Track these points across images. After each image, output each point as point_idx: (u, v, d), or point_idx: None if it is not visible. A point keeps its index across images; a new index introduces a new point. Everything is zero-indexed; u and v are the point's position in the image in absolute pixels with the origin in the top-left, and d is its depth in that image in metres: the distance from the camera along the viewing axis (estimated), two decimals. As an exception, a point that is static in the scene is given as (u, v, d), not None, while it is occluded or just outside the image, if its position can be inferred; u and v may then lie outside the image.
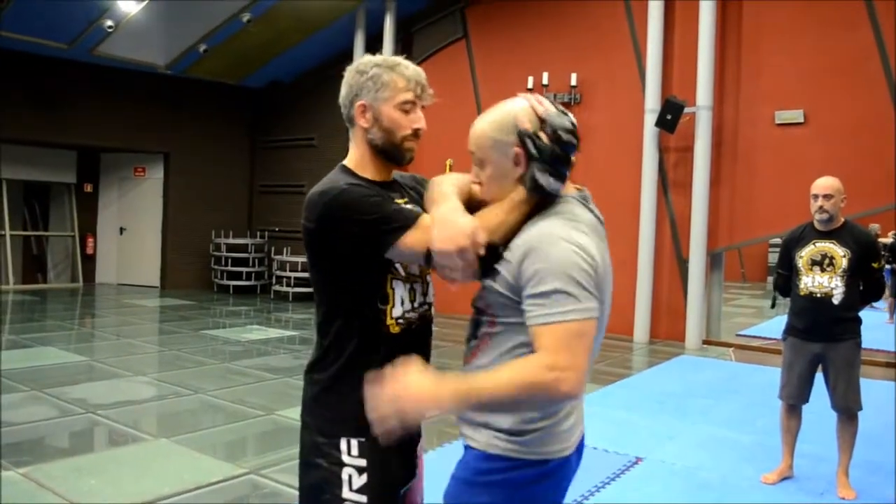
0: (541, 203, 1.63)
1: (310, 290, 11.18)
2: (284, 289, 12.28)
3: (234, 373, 6.69)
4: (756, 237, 9.17)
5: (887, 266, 11.61)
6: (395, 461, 1.78)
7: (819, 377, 4.05)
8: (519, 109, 1.64)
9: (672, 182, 9.21)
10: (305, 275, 12.08)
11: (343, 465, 1.71)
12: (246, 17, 10.70)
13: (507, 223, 1.62)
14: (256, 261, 13.10)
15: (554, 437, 1.62)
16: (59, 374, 6.31)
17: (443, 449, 4.42)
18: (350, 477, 1.71)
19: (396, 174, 1.93)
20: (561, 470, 1.66)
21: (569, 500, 3.68)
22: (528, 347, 1.51)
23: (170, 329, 9.15)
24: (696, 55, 8.72)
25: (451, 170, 10.98)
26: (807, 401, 4.10)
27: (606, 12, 9.77)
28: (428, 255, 1.62)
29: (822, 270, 3.94)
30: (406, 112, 1.79)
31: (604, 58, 9.78)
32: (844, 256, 3.90)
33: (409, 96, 1.79)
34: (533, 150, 1.59)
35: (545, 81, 10.05)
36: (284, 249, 12.81)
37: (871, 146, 7.91)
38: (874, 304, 13.53)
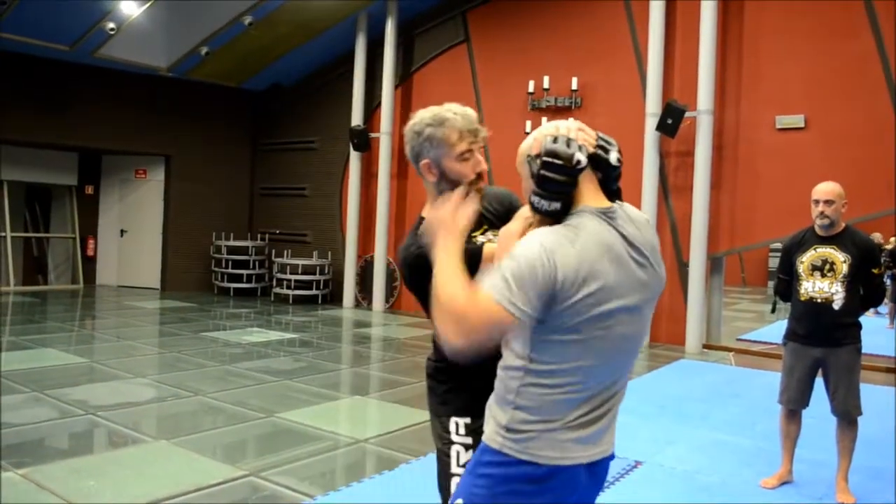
0: (555, 221, 1.64)
1: (310, 292, 11.20)
2: (285, 291, 12.28)
3: (234, 375, 6.69)
4: (757, 242, 9.18)
5: (888, 272, 11.61)
6: None
7: (819, 382, 4.05)
8: (545, 132, 1.68)
9: (673, 186, 9.21)
10: (305, 277, 12.12)
11: (452, 442, 2.01)
12: (247, 19, 10.72)
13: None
14: (257, 263, 13.11)
15: (550, 443, 1.61)
16: (59, 376, 6.31)
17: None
18: (458, 454, 1.99)
19: (486, 187, 2.09)
20: (556, 479, 1.63)
21: None
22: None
23: (170, 331, 9.16)
24: (697, 59, 8.73)
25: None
26: (807, 405, 4.10)
27: (607, 16, 9.78)
28: None
29: (823, 276, 3.94)
30: (466, 160, 1.97)
31: (605, 62, 9.79)
32: (845, 262, 3.90)
33: (464, 146, 1.97)
34: (531, 174, 1.65)
35: (546, 85, 10.07)
36: (285, 252, 12.82)
37: (871, 152, 7.92)
38: (877, 309, 13.55)
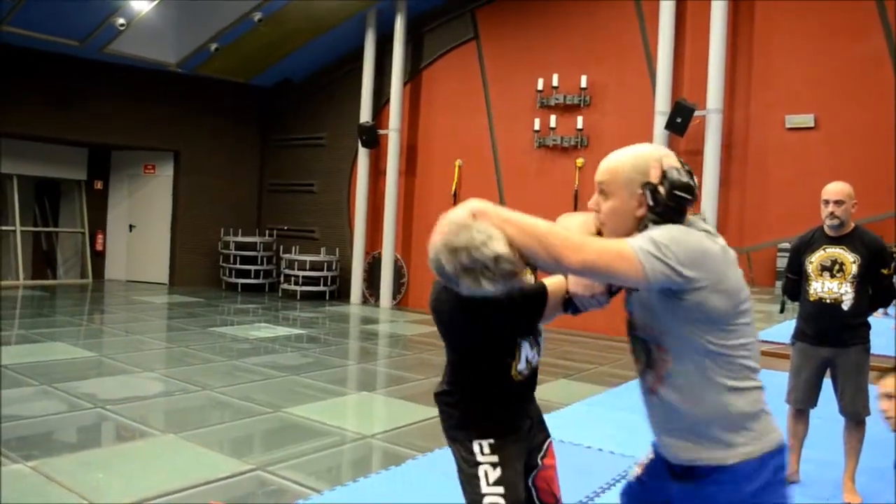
0: None
1: (317, 288, 11.21)
2: (292, 287, 12.31)
3: (242, 370, 6.71)
4: (765, 241, 9.14)
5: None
6: (520, 456, 2.11)
7: (827, 382, 4.04)
8: (653, 158, 1.76)
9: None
10: (314, 273, 12.14)
11: (479, 464, 2.02)
12: (257, 16, 10.74)
13: None
14: (265, 259, 13.14)
15: (769, 424, 1.76)
16: (68, 370, 6.35)
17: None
18: (486, 473, 2.01)
19: None
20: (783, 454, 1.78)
21: (573, 502, 3.70)
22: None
23: (178, 326, 9.19)
24: (706, 58, 8.70)
25: (460, 170, 11.00)
26: (814, 405, 4.09)
27: (617, 15, 9.76)
28: (565, 305, 2.03)
29: (832, 276, 3.93)
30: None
31: (614, 60, 9.77)
32: (854, 262, 3.89)
33: (502, 292, 1.95)
34: (650, 202, 1.72)
35: (555, 83, 10.05)
36: (293, 248, 12.84)
37: (882, 151, 7.88)
38: (886, 310, 13.45)
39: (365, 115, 11.85)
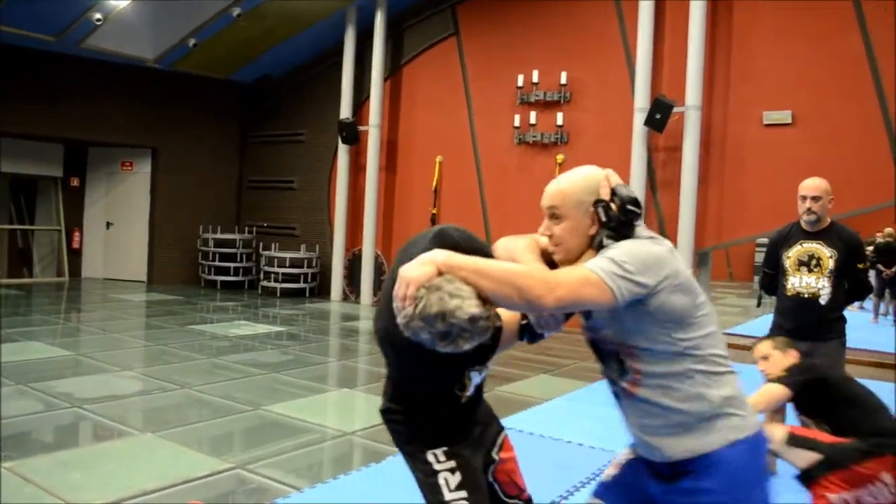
0: None
1: (297, 285, 11.16)
2: (272, 284, 12.25)
3: (221, 368, 6.67)
4: (743, 237, 9.23)
5: (873, 268, 11.71)
6: (475, 456, 2.11)
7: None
8: (601, 177, 1.87)
9: (660, 181, 9.24)
10: (293, 270, 12.09)
11: (437, 472, 2.01)
12: (236, 11, 10.66)
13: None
14: (244, 256, 13.07)
15: (748, 413, 1.82)
16: (44, 369, 6.27)
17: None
18: (446, 480, 2.00)
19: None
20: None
21: (553, 498, 3.71)
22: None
23: (156, 324, 9.12)
24: (685, 55, 8.75)
25: (440, 167, 10.99)
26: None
27: (597, 12, 9.79)
28: (520, 333, 2.12)
29: (810, 271, 3.96)
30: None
31: (594, 57, 9.80)
32: (831, 257, 3.93)
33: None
34: (604, 218, 1.80)
35: (535, 79, 10.07)
36: (273, 245, 12.78)
37: (858, 149, 7.98)
38: (862, 304, 13.62)
39: (345, 112, 11.80)
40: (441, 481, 2.00)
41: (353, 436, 4.81)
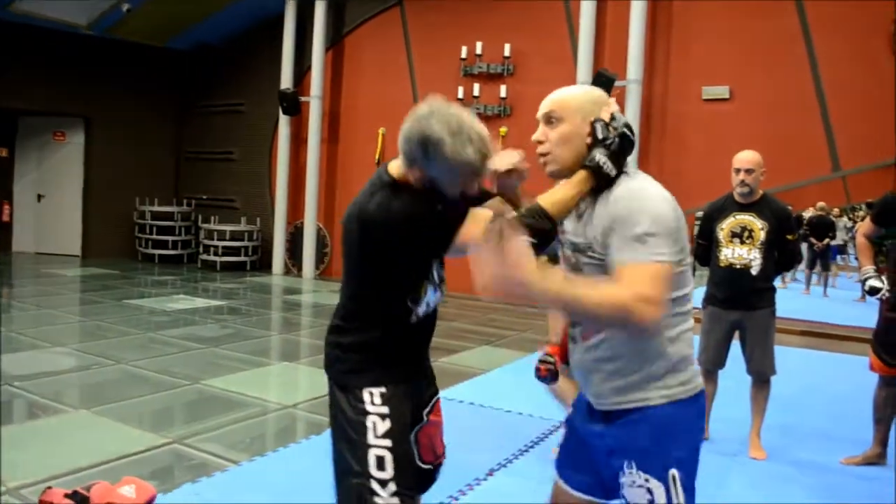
0: (596, 188, 1.77)
1: (237, 258, 10.99)
2: (212, 258, 12.04)
3: (159, 343, 6.54)
4: (683, 210, 9.39)
5: (805, 241, 12.08)
6: (409, 409, 2.03)
7: (735, 344, 4.21)
8: (604, 99, 1.84)
9: (602, 155, 9.32)
10: (234, 244, 11.91)
11: (368, 413, 1.94)
12: (171, -24, 10.33)
13: (567, 198, 1.78)
14: (183, 229, 12.79)
15: (697, 372, 1.82)
16: (-28, 345, 6.07)
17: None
18: (374, 424, 1.93)
19: None
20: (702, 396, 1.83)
21: (492, 465, 3.76)
22: None
23: (91, 299, 8.88)
24: (627, 29, 8.82)
25: (383, 139, 10.89)
26: (723, 366, 4.26)
27: (540, -16, 9.77)
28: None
29: (742, 242, 4.07)
30: (464, 186, 1.93)
31: (537, 30, 9.81)
32: (763, 229, 4.03)
33: (468, 182, 1.91)
34: (600, 134, 1.77)
35: (479, 51, 10.03)
36: (212, 218, 12.54)
37: (792, 124, 8.18)
38: (795, 276, 13.97)
39: (286, 82, 11.59)
40: (369, 423, 1.93)
41: (295, 409, 4.78)
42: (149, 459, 3.77)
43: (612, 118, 1.80)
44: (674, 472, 1.71)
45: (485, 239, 1.56)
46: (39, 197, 12.91)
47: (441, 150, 1.80)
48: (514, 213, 1.80)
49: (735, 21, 8.55)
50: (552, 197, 1.79)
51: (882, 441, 4.05)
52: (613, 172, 1.75)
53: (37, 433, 4.17)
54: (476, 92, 10.02)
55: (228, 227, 12.14)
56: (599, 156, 1.74)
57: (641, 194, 1.69)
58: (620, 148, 1.75)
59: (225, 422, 4.46)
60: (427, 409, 2.17)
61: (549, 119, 1.83)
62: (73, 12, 11.21)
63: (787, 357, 5.29)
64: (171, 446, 3.96)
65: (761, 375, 4.14)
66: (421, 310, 2.02)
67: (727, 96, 8.60)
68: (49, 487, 3.11)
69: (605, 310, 1.56)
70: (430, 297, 2.03)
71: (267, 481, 3.55)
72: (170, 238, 12.61)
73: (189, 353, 6.18)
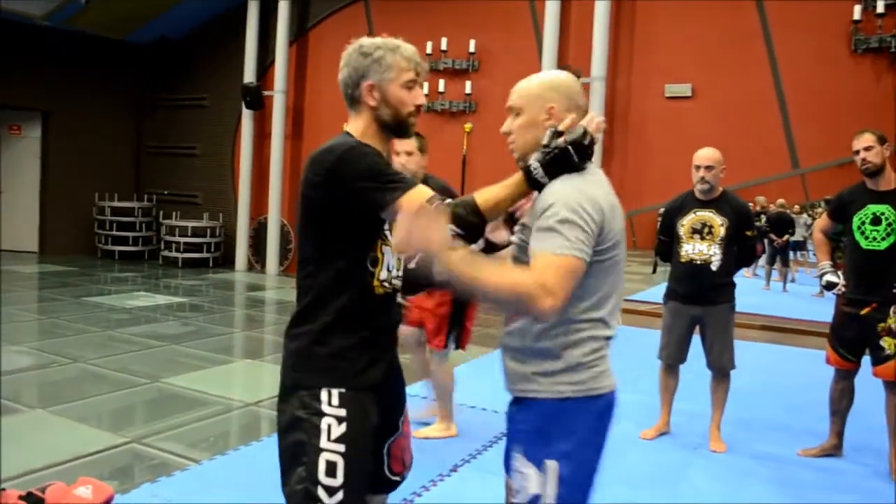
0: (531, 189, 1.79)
1: (199, 255, 10.86)
2: (173, 254, 11.87)
3: (118, 340, 6.43)
4: (645, 206, 9.47)
5: (765, 237, 12.27)
6: (377, 414, 1.90)
7: (696, 338, 4.26)
8: (573, 86, 1.90)
9: (566, 151, 9.37)
10: (195, 240, 11.75)
11: (323, 414, 1.80)
12: (131, -33, 10.14)
13: (499, 198, 1.80)
14: (144, 225, 12.59)
15: (603, 375, 1.79)
16: (-77, 344, 5.91)
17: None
18: (329, 427, 1.79)
19: (431, 178, 2.11)
20: (613, 403, 1.84)
21: (456, 461, 3.76)
22: None
23: (49, 296, 8.71)
24: (591, 26, 8.87)
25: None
26: (684, 361, 4.31)
27: (505, -20, 9.79)
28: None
29: (702, 238, 4.12)
30: (409, 89, 1.95)
31: (502, 26, 9.82)
32: (722, 225, 4.09)
33: (411, 75, 1.94)
34: (544, 140, 1.76)
35: (444, 47, 10.01)
36: (174, 214, 12.36)
37: (752, 122, 8.31)
38: (755, 271, 14.15)
39: (249, 76, 11.46)
40: (323, 426, 1.79)
41: (258, 406, 4.74)
42: (107, 459, 3.71)
43: (572, 131, 1.76)
44: (552, 464, 1.71)
45: (415, 210, 1.58)
46: (-4, 192, 12.61)
47: (378, 45, 1.94)
48: (447, 201, 1.80)
49: (697, 20, 8.65)
50: (487, 194, 1.80)
51: (838, 433, 4.13)
52: (545, 181, 1.75)
53: (-10, 434, 4.07)
54: (441, 88, 10.01)
55: (190, 223, 11.98)
56: (533, 160, 1.75)
57: (566, 189, 1.70)
58: (555, 160, 1.74)
59: (186, 420, 4.40)
60: (401, 418, 2.07)
61: (512, 110, 1.89)
62: (29, 3, 10.94)
63: (747, 351, 5.36)
64: (130, 446, 3.90)
65: (721, 370, 4.19)
66: (382, 275, 1.89)
67: (689, 94, 8.70)
68: (3, 489, 3.04)
69: (504, 292, 1.60)
70: (390, 260, 1.92)
71: (229, 480, 3.51)
72: (130, 234, 12.40)
73: (149, 351, 6.09)
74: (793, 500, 3.55)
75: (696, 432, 4.36)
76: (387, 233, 1.90)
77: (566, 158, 1.74)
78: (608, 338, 1.80)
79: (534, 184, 1.76)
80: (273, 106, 11.27)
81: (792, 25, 8.13)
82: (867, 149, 3.85)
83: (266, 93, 11.41)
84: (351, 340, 1.86)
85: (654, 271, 8.53)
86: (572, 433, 1.73)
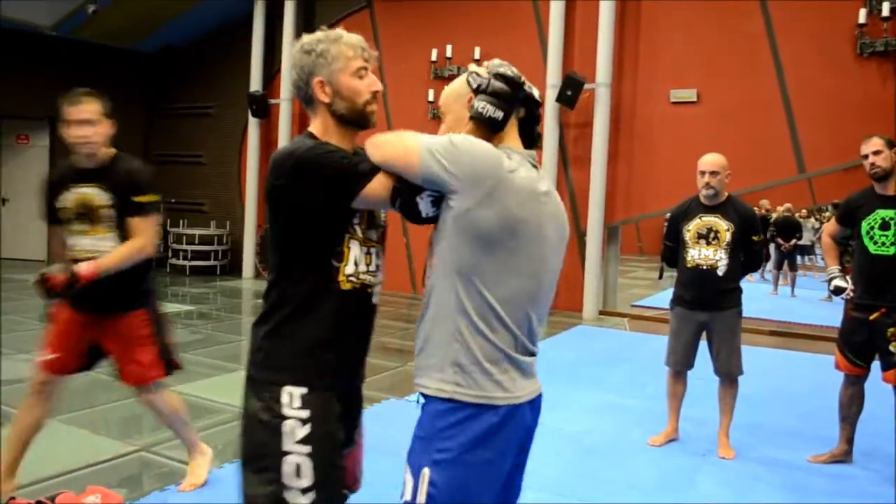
0: (488, 135, 1.77)
1: (207, 263, 10.86)
2: (181, 262, 11.91)
3: (127, 349, 6.44)
4: (651, 211, 9.47)
5: (772, 241, 12.25)
6: (337, 420, 1.83)
7: (703, 344, 4.25)
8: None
9: (572, 157, 9.40)
10: (203, 248, 11.79)
11: (285, 417, 1.74)
12: (138, -23, 10.21)
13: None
14: (152, 233, 12.60)
15: (501, 382, 1.70)
16: (-67, 353, 5.94)
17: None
18: (292, 429, 1.74)
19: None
20: (511, 418, 1.73)
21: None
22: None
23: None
24: (596, 32, 8.88)
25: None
26: (691, 367, 4.30)
27: (510, -13, 9.81)
28: (392, 198, 1.72)
29: (708, 243, 4.11)
30: (361, 77, 1.89)
31: (507, 33, 9.84)
32: (728, 230, 4.08)
33: (360, 63, 1.89)
34: (474, 85, 1.77)
35: (449, 54, 10.04)
36: (181, 222, 12.41)
37: (758, 126, 8.29)
38: (763, 275, 14.11)
39: (255, 84, 11.51)
40: (286, 428, 1.73)
41: (265, 414, 4.73)
42: (116, 468, 3.72)
43: (488, 69, 1.79)
44: (426, 471, 1.64)
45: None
46: (4, 201, 12.69)
47: (319, 39, 1.88)
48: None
49: (702, 25, 8.66)
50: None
51: (848, 439, 4.11)
52: (499, 114, 1.74)
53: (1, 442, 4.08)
54: (446, 94, 10.02)
55: (197, 231, 12.02)
56: (477, 103, 1.75)
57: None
58: (496, 87, 1.75)
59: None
60: (357, 430, 2.01)
61: (442, 115, 1.89)
62: (38, 13, 11.03)
63: (755, 357, 5.36)
64: (139, 454, 3.91)
65: (729, 375, 4.18)
66: (348, 270, 1.82)
67: (695, 99, 8.70)
68: (12, 498, 3.05)
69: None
70: (357, 252, 1.84)
71: (237, 489, 3.50)
72: (138, 242, 12.41)
73: (157, 359, 6.09)
74: (802, 507, 3.54)
75: (705, 438, 4.35)
76: (355, 227, 1.84)
77: (505, 80, 1.76)
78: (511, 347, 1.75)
79: (488, 123, 1.76)
80: (279, 114, 11.31)
81: (797, 30, 8.13)
82: (876, 153, 3.85)
83: (272, 101, 11.46)
84: (314, 338, 1.80)
85: (661, 277, 8.52)
86: (458, 444, 1.65)
